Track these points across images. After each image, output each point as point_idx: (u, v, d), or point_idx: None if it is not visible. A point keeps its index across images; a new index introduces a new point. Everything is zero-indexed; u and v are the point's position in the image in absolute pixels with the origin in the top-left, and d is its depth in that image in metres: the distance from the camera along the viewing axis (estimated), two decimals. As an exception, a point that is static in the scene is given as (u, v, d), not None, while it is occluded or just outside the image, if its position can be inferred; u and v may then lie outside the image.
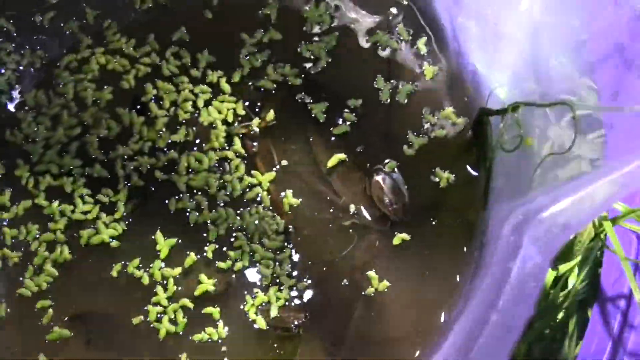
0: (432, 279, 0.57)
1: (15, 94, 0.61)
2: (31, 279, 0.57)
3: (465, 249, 0.56)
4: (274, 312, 0.55)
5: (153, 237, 0.58)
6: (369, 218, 0.57)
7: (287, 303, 0.57)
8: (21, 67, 0.63)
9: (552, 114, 0.45)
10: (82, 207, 0.58)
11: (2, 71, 0.61)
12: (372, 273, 0.56)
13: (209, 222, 0.58)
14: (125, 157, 0.59)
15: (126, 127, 0.60)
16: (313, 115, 0.59)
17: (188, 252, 0.57)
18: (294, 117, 0.60)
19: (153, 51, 0.63)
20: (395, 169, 0.58)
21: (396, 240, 0.56)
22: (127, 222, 0.58)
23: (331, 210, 0.57)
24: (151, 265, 0.57)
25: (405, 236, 0.56)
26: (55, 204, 0.58)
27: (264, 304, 0.57)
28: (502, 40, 0.50)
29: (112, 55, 0.63)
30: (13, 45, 0.63)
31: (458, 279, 0.56)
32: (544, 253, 0.37)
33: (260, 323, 0.55)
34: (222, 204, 0.58)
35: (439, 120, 0.58)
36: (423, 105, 0.59)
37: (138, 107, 0.61)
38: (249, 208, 0.57)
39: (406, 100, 0.59)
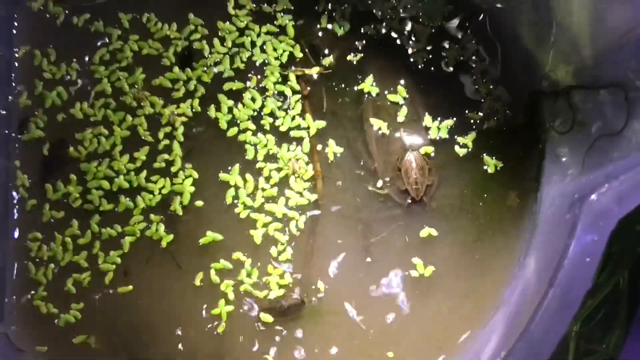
0: (482, 265, 0.55)
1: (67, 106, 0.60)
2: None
3: (517, 231, 0.55)
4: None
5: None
6: (392, 189, 0.57)
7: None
8: (59, 78, 0.61)
9: (604, 96, 0.45)
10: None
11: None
12: (417, 259, 0.55)
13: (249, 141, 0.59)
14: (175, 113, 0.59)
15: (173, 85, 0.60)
16: (371, 76, 0.58)
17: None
18: (352, 72, 0.59)
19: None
20: (432, 154, 0.57)
21: (423, 234, 0.55)
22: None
23: (361, 173, 0.57)
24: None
25: (433, 232, 0.56)
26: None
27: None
28: (556, 22, 0.49)
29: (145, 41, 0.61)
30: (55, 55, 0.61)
31: (510, 261, 0.54)
32: (601, 230, 0.37)
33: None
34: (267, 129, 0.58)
35: (491, 102, 0.57)
36: (477, 85, 0.58)
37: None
38: (291, 144, 0.58)
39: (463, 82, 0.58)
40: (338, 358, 0.56)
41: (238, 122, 0.59)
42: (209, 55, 0.60)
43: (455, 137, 0.57)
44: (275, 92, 0.58)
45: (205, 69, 0.60)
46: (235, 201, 0.58)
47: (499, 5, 0.57)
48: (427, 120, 0.57)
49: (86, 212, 0.59)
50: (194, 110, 0.59)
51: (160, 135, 0.59)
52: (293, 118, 0.58)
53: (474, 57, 0.58)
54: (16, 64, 0.61)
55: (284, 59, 0.59)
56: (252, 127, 0.59)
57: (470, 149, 0.56)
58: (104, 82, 0.60)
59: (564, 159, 0.50)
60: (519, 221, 0.56)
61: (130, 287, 0.59)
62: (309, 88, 0.58)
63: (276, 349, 0.56)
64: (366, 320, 0.56)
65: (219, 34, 0.61)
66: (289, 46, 0.59)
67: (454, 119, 0.57)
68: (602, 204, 0.38)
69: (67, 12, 0.61)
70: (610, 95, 0.45)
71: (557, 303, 0.36)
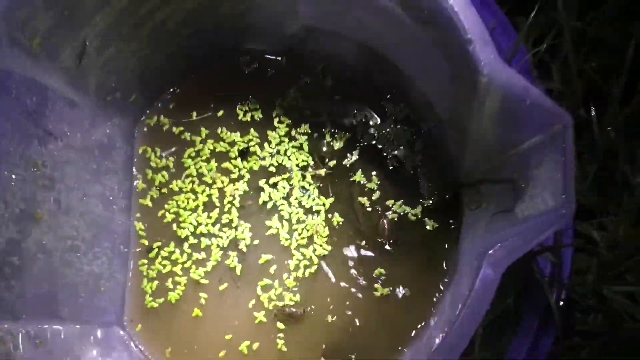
0: (422, 290, 0.60)
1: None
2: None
3: (444, 273, 0.59)
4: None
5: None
6: (370, 242, 0.61)
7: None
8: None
9: (500, 187, 0.49)
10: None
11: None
12: (378, 285, 0.60)
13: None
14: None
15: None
16: (359, 171, 0.63)
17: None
18: (347, 170, 0.63)
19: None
20: (396, 219, 0.61)
21: (383, 266, 0.60)
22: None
23: (352, 233, 0.62)
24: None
25: (387, 265, 0.60)
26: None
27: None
28: (470, 142, 0.52)
29: (218, 143, 0.65)
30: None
31: (441, 288, 0.58)
32: (496, 272, 0.41)
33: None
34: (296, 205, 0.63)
35: (433, 190, 0.61)
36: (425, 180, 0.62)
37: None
38: (311, 215, 0.62)
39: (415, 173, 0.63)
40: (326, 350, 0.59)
41: (274, 200, 0.63)
42: (260, 153, 0.64)
43: (410, 210, 0.61)
44: (299, 186, 0.63)
45: (255, 162, 0.64)
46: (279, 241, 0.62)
47: (436, 129, 0.61)
48: (391, 201, 0.62)
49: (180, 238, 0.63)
50: (244, 189, 0.64)
51: (225, 202, 0.63)
52: (313, 199, 0.62)
53: (420, 163, 0.62)
54: (135, 159, 0.65)
55: (302, 164, 0.64)
56: (286, 204, 0.63)
57: (418, 217, 0.61)
58: (191, 168, 0.64)
59: (474, 226, 0.53)
60: (446, 262, 0.59)
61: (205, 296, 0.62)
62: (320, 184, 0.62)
63: (283, 341, 0.60)
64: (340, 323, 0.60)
65: (268, 139, 0.65)
66: (305, 157, 0.64)
67: (410, 199, 0.62)
68: (497, 256, 0.42)
69: (169, 124, 0.66)
70: (504, 187, 0.48)
71: (469, 318, 0.41)
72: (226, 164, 0.65)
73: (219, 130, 0.66)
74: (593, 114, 0.57)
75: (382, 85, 0.64)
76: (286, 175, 0.64)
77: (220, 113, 0.66)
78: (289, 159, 0.64)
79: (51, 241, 0.52)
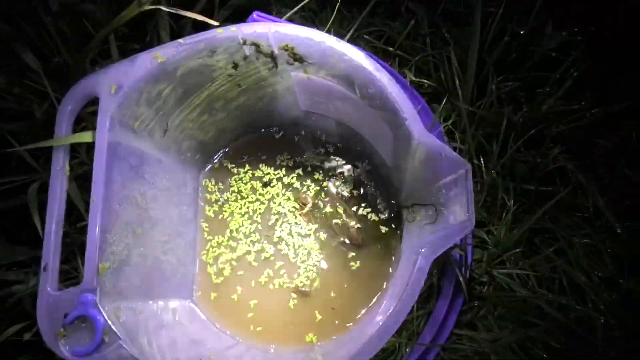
0: (375, 276, 0.56)
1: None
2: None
3: (392, 262, 0.56)
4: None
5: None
6: (348, 241, 0.58)
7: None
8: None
9: (426, 208, 0.46)
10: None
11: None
12: (352, 263, 0.57)
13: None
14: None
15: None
16: (337, 204, 0.59)
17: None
18: (324, 206, 0.60)
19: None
20: (360, 226, 0.58)
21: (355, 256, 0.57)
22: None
23: (334, 241, 0.58)
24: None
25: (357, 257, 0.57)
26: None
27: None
28: (400, 178, 0.51)
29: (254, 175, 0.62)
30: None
31: (391, 272, 0.56)
32: (427, 263, 0.40)
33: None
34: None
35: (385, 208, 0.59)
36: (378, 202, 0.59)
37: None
38: (306, 237, 0.58)
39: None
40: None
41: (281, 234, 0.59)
42: (276, 186, 0.61)
43: (372, 213, 0.59)
44: (294, 222, 0.59)
45: (274, 191, 0.61)
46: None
47: (385, 172, 0.59)
48: (355, 220, 0.59)
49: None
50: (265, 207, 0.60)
51: (255, 214, 0.60)
52: (302, 227, 0.59)
53: (374, 194, 0.60)
54: (199, 188, 0.62)
55: (291, 207, 0.60)
56: (289, 236, 0.59)
57: (376, 221, 0.58)
58: (234, 190, 0.61)
59: (411, 233, 0.51)
60: (394, 255, 0.57)
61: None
62: (305, 219, 0.59)
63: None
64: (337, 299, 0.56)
65: (283, 179, 0.61)
66: (294, 202, 0.60)
67: (370, 215, 0.59)
68: (426, 253, 0.40)
69: (220, 161, 0.63)
70: (429, 208, 0.46)
71: (408, 296, 0.39)
72: (258, 189, 0.61)
73: (255, 169, 0.63)
74: (482, 162, 0.55)
75: (353, 148, 0.62)
76: (286, 218, 0.60)
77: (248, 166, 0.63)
78: (283, 207, 0.60)
79: (146, 247, 0.50)
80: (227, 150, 0.63)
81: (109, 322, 0.40)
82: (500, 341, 0.48)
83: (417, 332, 0.51)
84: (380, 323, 0.38)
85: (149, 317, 0.46)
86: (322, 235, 0.58)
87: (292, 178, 0.61)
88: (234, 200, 0.61)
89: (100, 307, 0.41)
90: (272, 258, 0.58)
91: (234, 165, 0.62)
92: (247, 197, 0.61)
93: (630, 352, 0.48)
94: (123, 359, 0.40)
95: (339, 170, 0.62)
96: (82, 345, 0.40)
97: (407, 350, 0.50)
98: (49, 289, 0.41)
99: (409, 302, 0.39)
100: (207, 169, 0.63)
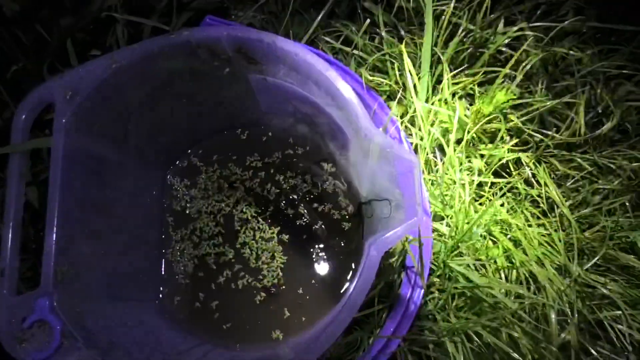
0: (340, 271, 0.57)
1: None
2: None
3: (355, 255, 0.57)
4: None
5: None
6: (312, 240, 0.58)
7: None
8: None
9: (383, 203, 0.48)
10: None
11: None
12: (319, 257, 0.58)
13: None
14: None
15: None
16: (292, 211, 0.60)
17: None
18: (286, 208, 0.61)
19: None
20: (324, 226, 0.59)
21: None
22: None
23: (298, 242, 0.59)
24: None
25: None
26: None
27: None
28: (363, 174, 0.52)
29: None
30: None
31: (353, 266, 0.57)
32: (379, 252, 0.40)
33: None
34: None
35: (347, 205, 0.60)
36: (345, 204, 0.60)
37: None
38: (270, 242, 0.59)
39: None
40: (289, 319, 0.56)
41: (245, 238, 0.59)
42: (239, 189, 0.61)
43: (335, 211, 0.59)
44: (257, 227, 0.59)
45: (238, 195, 0.61)
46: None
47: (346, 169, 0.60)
48: (318, 218, 0.59)
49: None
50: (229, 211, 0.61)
51: (219, 215, 0.60)
52: (266, 231, 0.59)
53: (337, 192, 0.61)
54: (165, 188, 0.62)
55: (254, 212, 0.60)
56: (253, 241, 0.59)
57: (339, 219, 0.59)
58: (201, 187, 0.61)
59: (370, 227, 0.53)
60: (357, 248, 0.58)
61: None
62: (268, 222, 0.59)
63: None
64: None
65: (246, 183, 0.61)
66: (256, 207, 0.60)
67: (333, 213, 0.60)
68: (378, 244, 0.40)
69: (189, 160, 0.64)
70: (384, 203, 0.47)
71: (362, 284, 0.40)
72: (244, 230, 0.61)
73: (224, 165, 0.63)
74: (439, 157, 0.56)
75: (316, 148, 0.63)
76: (249, 224, 0.60)
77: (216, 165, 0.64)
78: (244, 212, 0.60)
79: (109, 250, 0.51)
80: (194, 150, 0.63)
81: (69, 326, 0.40)
82: (455, 331, 0.49)
83: (379, 325, 0.52)
84: (339, 309, 0.40)
85: (113, 319, 0.47)
86: (285, 237, 0.59)
87: (256, 183, 0.61)
88: (201, 198, 0.61)
89: (58, 311, 0.41)
90: (233, 260, 0.58)
91: (202, 164, 0.62)
92: (214, 195, 0.61)
93: (582, 334, 0.50)
94: (83, 363, 0.40)
95: (304, 170, 0.63)
96: (40, 349, 0.40)
97: (370, 342, 0.51)
98: (6, 293, 0.42)
99: (363, 290, 0.40)
100: (174, 167, 0.63)
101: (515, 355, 0.48)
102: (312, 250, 0.58)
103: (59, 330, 0.40)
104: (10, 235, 0.43)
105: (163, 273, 0.58)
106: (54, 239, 0.43)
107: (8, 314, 0.41)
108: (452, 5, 0.59)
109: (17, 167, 0.46)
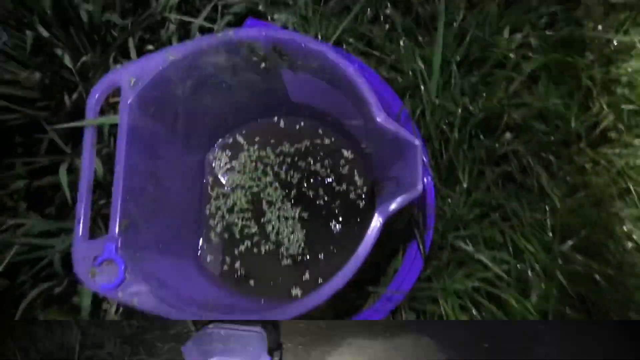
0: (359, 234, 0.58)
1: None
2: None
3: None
4: None
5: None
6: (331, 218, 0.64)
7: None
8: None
9: (392, 181, 0.53)
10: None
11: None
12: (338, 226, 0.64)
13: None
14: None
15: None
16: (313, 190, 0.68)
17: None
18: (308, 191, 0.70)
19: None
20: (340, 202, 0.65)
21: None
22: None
23: (317, 220, 0.65)
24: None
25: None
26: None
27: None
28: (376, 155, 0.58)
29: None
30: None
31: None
32: (382, 217, 0.47)
33: None
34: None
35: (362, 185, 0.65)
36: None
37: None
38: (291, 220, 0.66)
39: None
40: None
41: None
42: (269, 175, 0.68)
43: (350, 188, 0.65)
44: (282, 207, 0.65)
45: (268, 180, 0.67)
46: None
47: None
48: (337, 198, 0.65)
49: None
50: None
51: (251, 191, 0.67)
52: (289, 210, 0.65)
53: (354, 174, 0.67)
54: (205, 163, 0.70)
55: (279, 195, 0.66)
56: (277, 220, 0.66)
57: (354, 197, 0.65)
58: (241, 161, 0.68)
59: (381, 201, 0.53)
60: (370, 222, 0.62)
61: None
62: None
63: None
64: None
65: (274, 167, 0.67)
66: (281, 191, 0.66)
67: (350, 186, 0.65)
68: (382, 212, 0.47)
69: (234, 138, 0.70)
70: (393, 180, 0.53)
71: (365, 243, 0.46)
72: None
73: (263, 148, 0.68)
74: (442, 145, 0.62)
75: (339, 136, 0.69)
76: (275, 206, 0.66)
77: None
78: (271, 195, 0.66)
79: (159, 211, 0.59)
80: (240, 129, 0.69)
81: (129, 265, 0.50)
82: (447, 289, 0.57)
83: (385, 284, 0.60)
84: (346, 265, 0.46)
85: (163, 267, 0.53)
86: (305, 214, 0.65)
87: (284, 168, 0.67)
88: (239, 172, 0.67)
89: (122, 253, 0.51)
90: (256, 232, 0.65)
91: (246, 143, 0.68)
92: (250, 173, 0.67)
93: (561, 304, 0.57)
94: (141, 293, 0.48)
95: (328, 158, 0.67)
96: (109, 281, 0.49)
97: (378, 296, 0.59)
98: (81, 237, 0.51)
99: (366, 250, 0.46)
100: (221, 141, 0.68)
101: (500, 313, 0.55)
102: (330, 225, 0.64)
103: (122, 269, 0.48)
104: (85, 193, 0.53)
105: (199, 236, 0.65)
106: (120, 196, 0.52)
107: (83, 253, 0.48)
108: (461, 13, 0.65)
109: (90, 139, 0.55)
